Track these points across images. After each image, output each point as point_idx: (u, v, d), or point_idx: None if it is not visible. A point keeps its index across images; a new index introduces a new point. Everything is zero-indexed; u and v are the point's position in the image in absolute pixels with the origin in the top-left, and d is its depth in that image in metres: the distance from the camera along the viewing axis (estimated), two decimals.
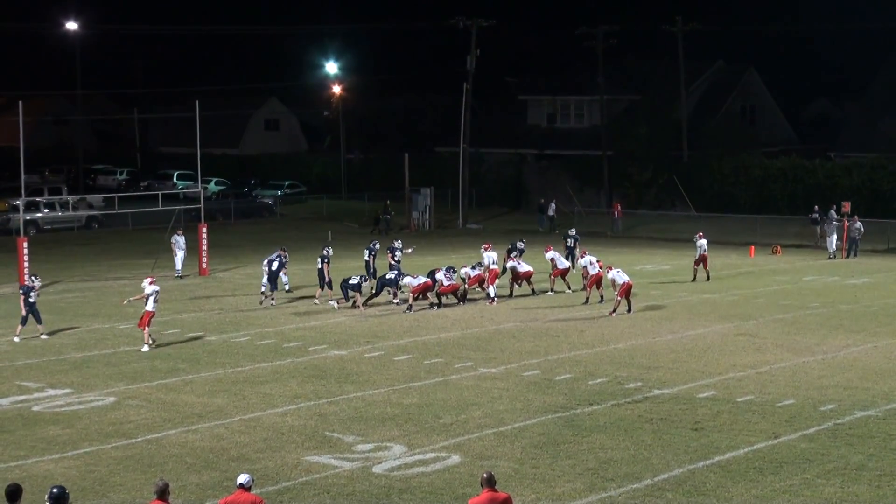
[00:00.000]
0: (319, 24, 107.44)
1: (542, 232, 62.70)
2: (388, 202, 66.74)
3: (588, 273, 37.19)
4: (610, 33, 73.42)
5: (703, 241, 42.07)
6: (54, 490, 13.76)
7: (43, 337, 30.98)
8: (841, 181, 67.01)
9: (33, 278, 31.82)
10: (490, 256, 38.50)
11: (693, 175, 71.88)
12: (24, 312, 30.90)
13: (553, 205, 67.06)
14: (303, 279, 42.18)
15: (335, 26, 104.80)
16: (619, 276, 35.05)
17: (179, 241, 43.60)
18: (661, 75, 76.88)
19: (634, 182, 73.44)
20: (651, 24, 79.20)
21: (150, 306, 29.46)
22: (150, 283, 29.94)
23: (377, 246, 42.09)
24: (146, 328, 29.48)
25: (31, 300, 30.87)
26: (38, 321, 31.16)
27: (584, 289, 37.93)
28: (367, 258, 41.03)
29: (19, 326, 31.02)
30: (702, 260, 41.87)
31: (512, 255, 39.85)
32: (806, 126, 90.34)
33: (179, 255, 43.54)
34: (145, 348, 29.34)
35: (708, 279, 41.63)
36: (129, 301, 31.50)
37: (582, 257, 38.48)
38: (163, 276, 43.92)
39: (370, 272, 39.98)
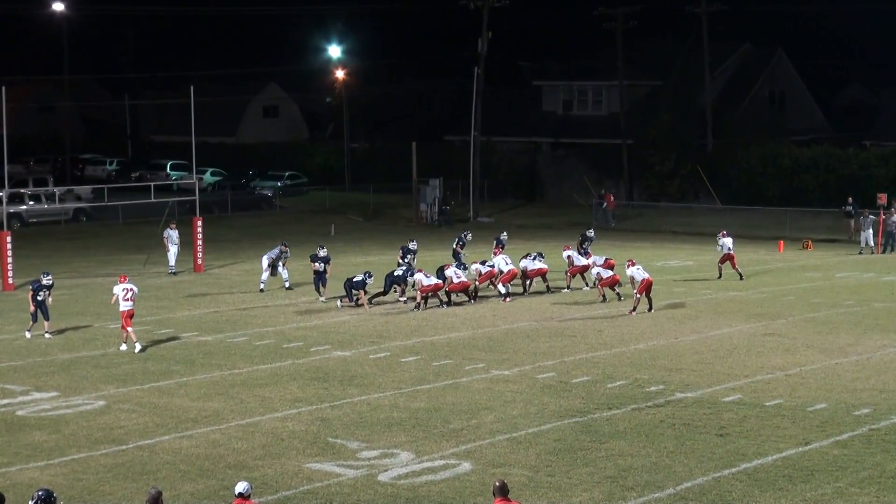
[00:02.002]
0: (322, 4, 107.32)
1: (603, 227, 62.51)
2: (448, 192, 67.75)
3: (601, 277, 37.21)
4: (630, 14, 73.24)
5: (728, 240, 41.93)
6: (40, 493, 13.80)
7: (47, 336, 31.16)
8: (876, 171, 66.83)
9: (44, 276, 31.99)
10: (503, 259, 38.33)
11: (718, 165, 71.75)
12: (31, 309, 31.30)
13: (611, 197, 66.92)
14: (304, 276, 42.24)
15: (338, 7, 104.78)
16: (638, 272, 35.06)
17: (172, 235, 43.68)
18: (685, 59, 76.72)
19: (656, 173, 73.30)
20: (674, 5, 79.14)
21: (124, 306, 29.53)
22: (120, 282, 30.14)
23: (469, 237, 42.60)
24: (127, 329, 29.54)
25: (39, 298, 31.21)
26: (46, 318, 31.46)
27: (594, 286, 38.02)
28: (454, 247, 41.67)
29: (31, 322, 31.37)
30: (728, 259, 41.76)
31: (529, 256, 39.86)
32: (839, 113, 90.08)
33: (172, 251, 43.64)
34: (124, 347, 29.49)
35: (741, 278, 41.45)
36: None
37: (594, 266, 38.39)
38: (155, 272, 44.04)
39: (460, 263, 40.05)
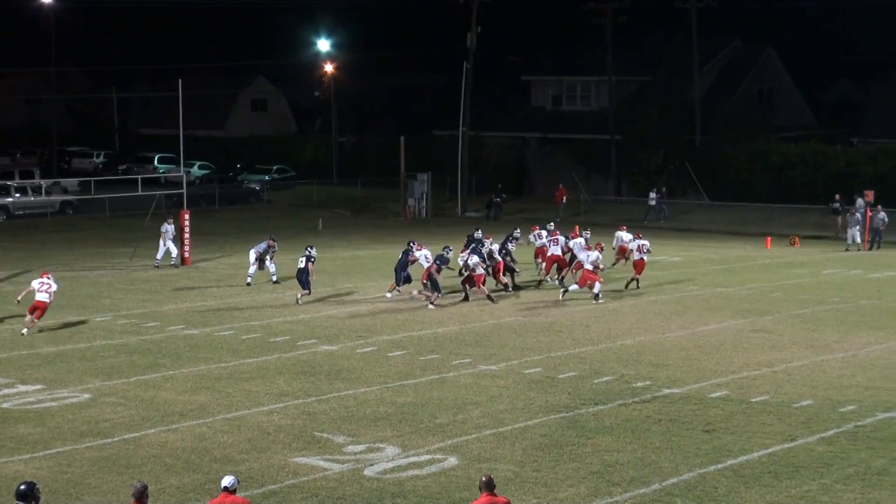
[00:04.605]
0: None
1: (646, 225, 62.48)
2: (500, 185, 68.48)
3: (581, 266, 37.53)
4: (619, 10, 73.33)
5: (623, 234, 42.23)
6: (22, 486, 13.83)
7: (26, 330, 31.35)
8: (864, 168, 67.02)
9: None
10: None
11: (706, 161, 71.86)
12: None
13: (653, 194, 65.56)
14: (291, 270, 42.15)
15: (327, 1, 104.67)
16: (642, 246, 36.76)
17: (169, 229, 43.66)
18: (674, 55, 76.87)
19: (644, 168, 73.43)
20: (663, 0, 79.16)
21: (38, 297, 30.35)
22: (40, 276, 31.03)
23: (518, 233, 41.96)
24: (32, 315, 30.29)
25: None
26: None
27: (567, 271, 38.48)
28: (509, 246, 40.66)
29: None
30: (622, 253, 41.82)
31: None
32: (827, 109, 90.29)
33: (167, 245, 43.47)
34: (24, 331, 30.29)
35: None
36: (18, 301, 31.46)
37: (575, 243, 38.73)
38: (142, 265, 43.97)
39: (512, 260, 40.01)
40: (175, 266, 43.38)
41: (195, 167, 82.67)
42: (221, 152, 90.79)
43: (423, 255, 36.81)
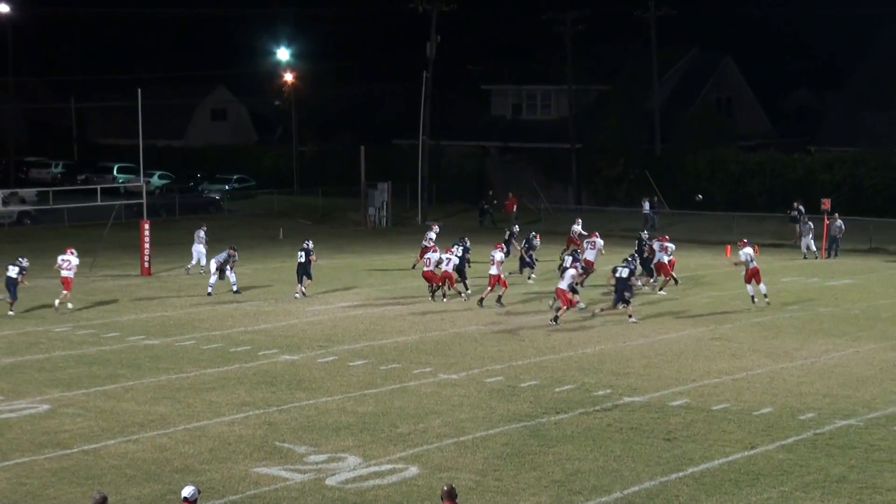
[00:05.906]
0: (270, 6, 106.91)
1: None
2: (491, 192, 68.98)
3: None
4: (579, 19, 73.55)
5: (577, 227, 45.60)
6: None
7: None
8: (821, 177, 67.45)
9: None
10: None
11: (666, 170, 72.11)
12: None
13: (646, 204, 64.43)
14: (252, 280, 42.11)
15: (287, 9, 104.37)
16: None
17: (199, 233, 44.54)
18: (633, 64, 77.10)
19: (604, 177, 73.66)
20: (622, 9, 79.49)
21: (64, 274, 35.90)
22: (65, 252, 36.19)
23: (517, 229, 45.76)
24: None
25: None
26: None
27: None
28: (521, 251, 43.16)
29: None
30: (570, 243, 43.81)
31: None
32: (785, 118, 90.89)
33: (199, 251, 44.37)
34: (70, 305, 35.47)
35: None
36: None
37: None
38: (102, 275, 43.72)
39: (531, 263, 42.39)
40: (201, 273, 43.58)
41: (155, 177, 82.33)
42: (181, 162, 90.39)
43: (442, 256, 38.22)
